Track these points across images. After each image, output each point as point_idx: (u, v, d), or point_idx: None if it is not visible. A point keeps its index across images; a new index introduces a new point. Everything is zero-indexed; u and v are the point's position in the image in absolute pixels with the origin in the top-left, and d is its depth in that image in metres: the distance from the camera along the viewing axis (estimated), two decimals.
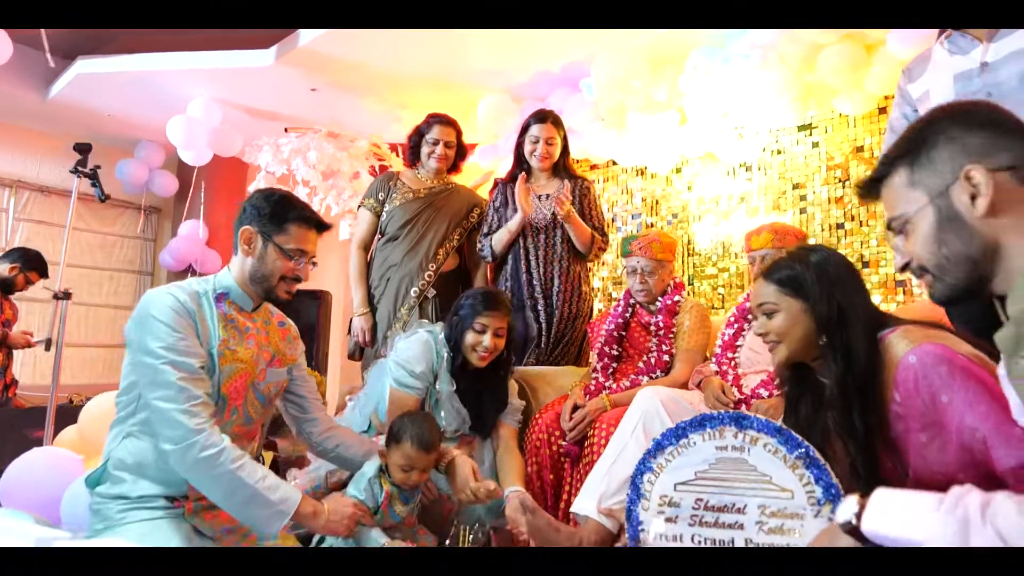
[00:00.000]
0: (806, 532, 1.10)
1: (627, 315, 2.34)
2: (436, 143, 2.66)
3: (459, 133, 2.74)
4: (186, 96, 4.16)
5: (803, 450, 1.13)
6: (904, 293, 2.98)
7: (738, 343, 2.15)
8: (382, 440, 1.72)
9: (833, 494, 1.08)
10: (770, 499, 1.14)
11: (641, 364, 2.19)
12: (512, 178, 2.65)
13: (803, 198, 3.35)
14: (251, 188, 3.77)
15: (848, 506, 0.82)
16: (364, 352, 2.69)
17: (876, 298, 2.92)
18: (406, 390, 1.90)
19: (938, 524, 0.69)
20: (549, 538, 1.65)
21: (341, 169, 3.72)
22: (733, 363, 2.09)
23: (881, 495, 0.80)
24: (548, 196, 2.56)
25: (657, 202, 3.88)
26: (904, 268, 0.94)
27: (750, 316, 2.18)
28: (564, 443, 2.02)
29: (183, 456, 1.32)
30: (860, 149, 3.20)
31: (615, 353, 2.29)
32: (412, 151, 2.75)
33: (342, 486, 1.88)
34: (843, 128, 3.26)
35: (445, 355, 1.94)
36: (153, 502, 1.40)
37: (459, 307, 1.99)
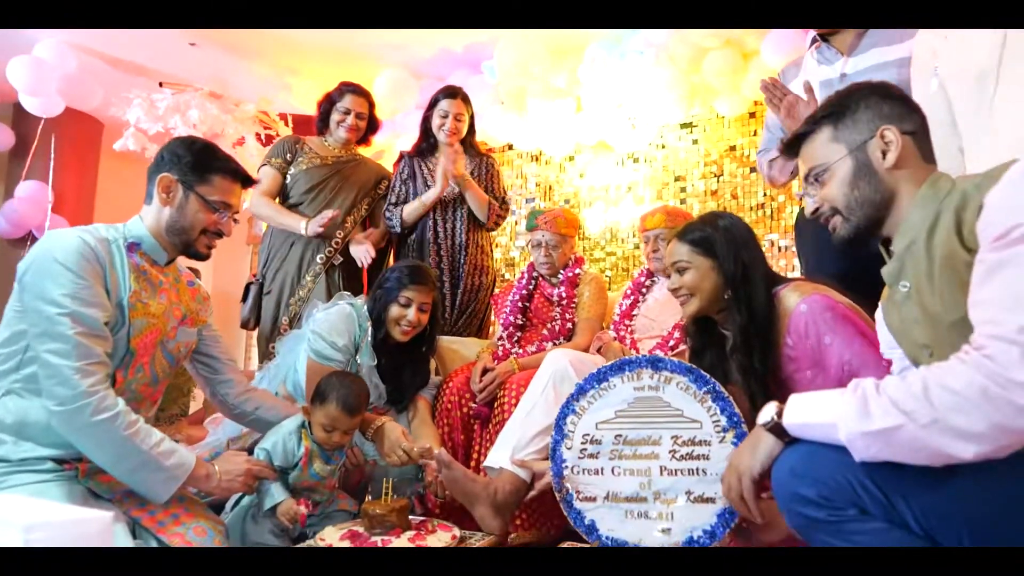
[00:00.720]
0: (713, 456, 1.23)
1: (530, 287, 2.44)
2: (347, 113, 2.59)
3: (372, 105, 2.68)
4: (28, 37, 3.65)
5: (710, 386, 1.26)
6: None
7: (634, 312, 2.33)
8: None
9: (735, 422, 1.23)
10: (682, 430, 1.27)
11: (545, 331, 2.29)
12: (419, 152, 2.64)
13: (683, 190, 3.66)
14: (117, 146, 3.41)
15: (768, 410, 0.96)
16: (260, 320, 2.55)
17: None
18: (327, 362, 1.85)
19: (844, 404, 0.84)
20: (466, 489, 1.69)
21: (225, 132, 3.47)
22: (630, 330, 2.26)
23: (795, 398, 0.94)
24: (461, 151, 2.58)
25: (551, 187, 4.04)
26: (815, 212, 1.10)
27: (644, 289, 2.37)
28: (474, 405, 2.07)
29: (72, 418, 1.21)
30: (733, 148, 3.56)
31: (519, 322, 2.37)
32: (321, 118, 2.65)
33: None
34: (719, 128, 3.60)
35: (368, 328, 1.91)
36: (39, 464, 1.27)
37: (384, 279, 1.96)
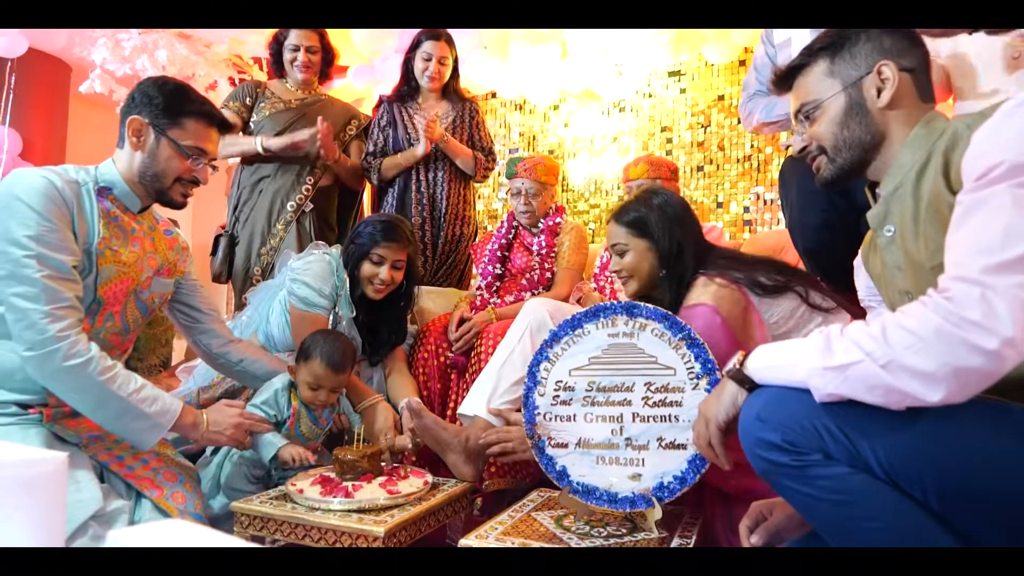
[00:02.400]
0: (685, 403, 1.22)
1: (510, 236, 2.40)
2: (297, 49, 2.46)
3: (323, 35, 2.52)
4: None
5: (685, 332, 1.24)
6: (750, 231, 3.33)
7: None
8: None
9: (709, 368, 1.21)
10: (655, 376, 1.25)
11: (524, 281, 2.26)
12: (399, 96, 2.55)
13: (669, 140, 3.58)
14: (83, 88, 3.26)
15: (733, 359, 0.94)
16: (232, 273, 2.49)
17: (726, 235, 3.23)
18: (312, 309, 1.80)
19: (807, 345, 0.83)
20: (437, 437, 1.68)
21: (196, 74, 3.32)
22: (610, 280, 2.24)
23: (760, 347, 0.92)
24: (437, 118, 2.50)
25: (534, 137, 3.94)
26: (802, 150, 1.05)
27: None
28: (451, 354, 2.05)
29: (43, 363, 1.18)
30: (721, 98, 3.47)
31: (498, 272, 2.34)
32: (275, 60, 2.54)
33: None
34: (708, 77, 3.50)
35: (346, 279, 1.86)
36: (3, 408, 1.24)
37: (356, 234, 1.89)
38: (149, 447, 1.29)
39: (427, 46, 2.45)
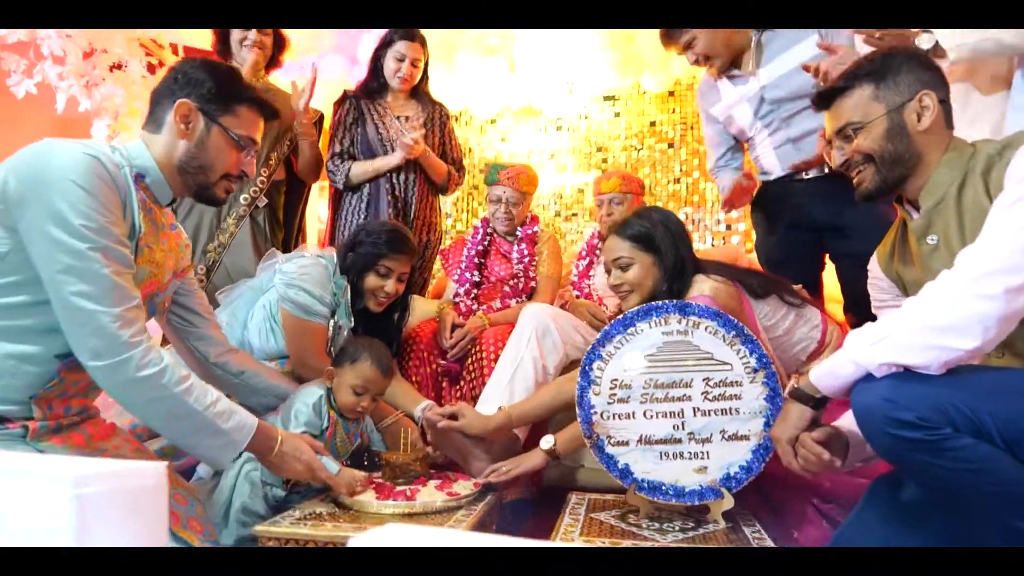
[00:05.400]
0: (744, 396, 1.28)
1: (485, 243, 2.38)
2: (248, 28, 2.30)
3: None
4: None
5: (738, 329, 1.31)
6: None
7: (591, 272, 2.36)
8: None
9: (765, 363, 1.28)
10: (713, 372, 1.30)
11: (507, 288, 2.24)
12: (366, 93, 2.44)
13: (605, 160, 3.74)
14: None
15: (789, 384, 1.03)
16: None
17: None
18: (315, 319, 1.65)
19: (849, 340, 0.97)
20: (458, 445, 1.60)
21: (110, 50, 2.92)
22: (590, 288, 2.29)
23: (812, 368, 1.03)
24: (407, 119, 2.42)
25: (471, 150, 3.93)
26: (843, 164, 1.18)
27: (597, 251, 2.40)
28: (443, 362, 1.97)
29: (112, 373, 1.00)
30: (653, 124, 3.70)
31: (476, 279, 2.30)
32: (221, 43, 2.35)
33: None
34: (640, 103, 3.72)
35: (344, 286, 1.73)
36: None
37: (356, 242, 1.76)
38: (223, 467, 1.14)
39: (400, 46, 2.37)
